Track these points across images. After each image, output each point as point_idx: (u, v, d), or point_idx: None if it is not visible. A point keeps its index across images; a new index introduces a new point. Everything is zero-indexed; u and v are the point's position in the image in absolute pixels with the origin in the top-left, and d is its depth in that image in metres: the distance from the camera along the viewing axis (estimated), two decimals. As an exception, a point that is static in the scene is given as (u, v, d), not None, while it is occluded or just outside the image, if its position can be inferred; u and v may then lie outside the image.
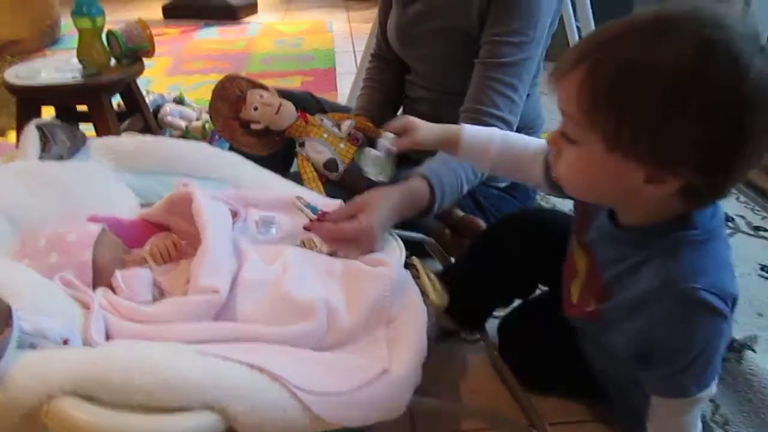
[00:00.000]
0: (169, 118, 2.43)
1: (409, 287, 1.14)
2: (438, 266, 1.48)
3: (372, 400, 0.91)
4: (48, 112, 2.18)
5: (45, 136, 1.27)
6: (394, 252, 1.22)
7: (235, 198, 1.30)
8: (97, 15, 1.99)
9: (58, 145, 1.27)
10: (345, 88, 3.01)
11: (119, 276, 1.03)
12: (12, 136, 2.58)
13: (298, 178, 1.52)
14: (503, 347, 1.34)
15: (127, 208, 1.28)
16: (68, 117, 2.21)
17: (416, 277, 1.19)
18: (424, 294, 1.15)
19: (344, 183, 1.55)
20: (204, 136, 2.38)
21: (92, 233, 1.06)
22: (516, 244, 1.27)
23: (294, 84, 3.17)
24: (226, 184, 1.37)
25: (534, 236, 1.25)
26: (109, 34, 2.09)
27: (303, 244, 1.32)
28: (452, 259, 1.52)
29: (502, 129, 1.40)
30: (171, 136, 2.44)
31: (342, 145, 1.57)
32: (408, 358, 0.99)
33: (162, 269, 1.11)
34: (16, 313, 0.79)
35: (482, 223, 1.61)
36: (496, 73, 1.41)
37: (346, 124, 1.60)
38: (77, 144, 1.31)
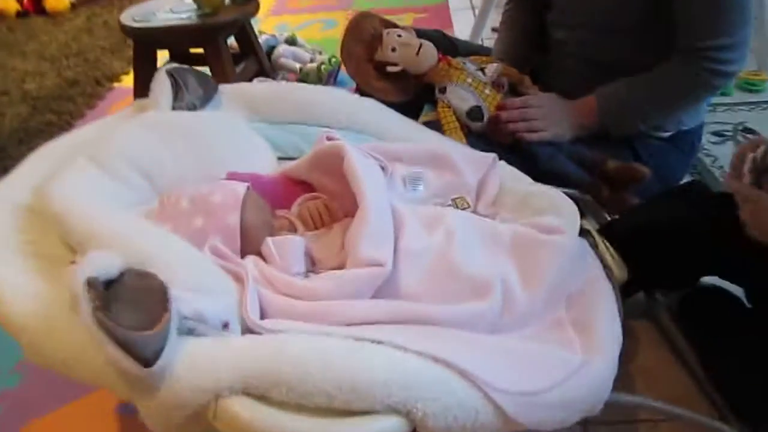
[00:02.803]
0: (283, 60, 2.31)
1: (589, 259, 0.99)
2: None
3: (572, 398, 0.77)
4: (162, 56, 2.11)
5: (176, 83, 1.16)
6: (569, 216, 1.05)
7: (380, 151, 1.16)
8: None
9: (191, 93, 1.16)
10: (461, 25, 2.80)
11: (271, 243, 0.92)
12: (126, 80, 2.54)
13: (433, 129, 1.36)
14: (687, 327, 1.16)
15: (265, 163, 1.16)
16: (183, 61, 2.13)
17: (593, 246, 1.03)
18: (603, 266, 0.99)
19: (488, 134, 1.39)
20: (319, 78, 2.25)
21: (238, 194, 0.95)
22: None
23: (405, 21, 2.97)
24: (368, 136, 1.24)
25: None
26: (224, -29, 1.97)
27: (454, 204, 1.17)
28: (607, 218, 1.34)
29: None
30: (284, 78, 2.33)
31: (487, 91, 1.39)
32: (606, 347, 0.84)
33: (312, 235, 0.99)
34: (173, 294, 0.69)
35: (645, 170, 1.39)
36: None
37: (492, 68, 1.42)
38: (209, 92, 1.20)
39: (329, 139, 1.10)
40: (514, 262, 0.95)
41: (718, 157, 1.69)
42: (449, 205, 1.16)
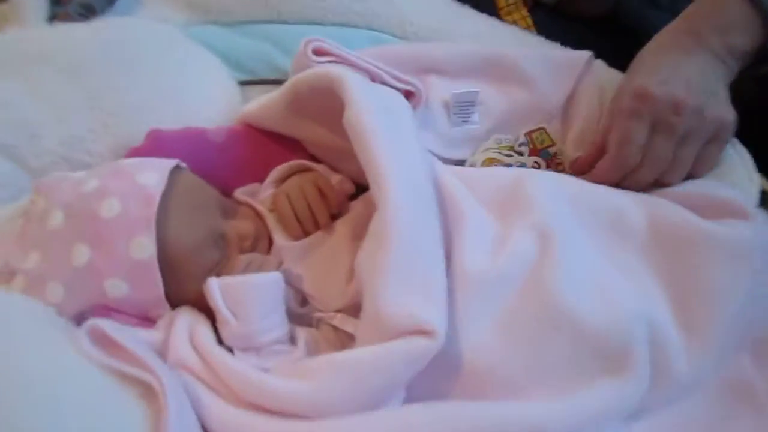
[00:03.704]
0: None
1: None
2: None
3: None
4: None
5: (57, -29, 0.69)
6: (741, 170, 0.61)
7: (406, 60, 0.71)
8: None
9: (83, -13, 0.70)
10: None
11: (216, 292, 0.49)
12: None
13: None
14: None
15: (217, 98, 0.71)
16: None
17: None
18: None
19: (565, 7, 0.92)
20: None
21: (151, 193, 0.51)
22: None
23: None
24: (384, 34, 0.77)
25: None
26: None
27: (530, 142, 0.74)
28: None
29: None
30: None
31: (562, -59, 0.92)
32: None
33: (300, 248, 0.55)
34: None
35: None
36: None
37: None
38: (118, -20, 0.73)
39: (317, 53, 0.64)
40: (660, 279, 0.53)
41: None
42: (522, 145, 0.73)
